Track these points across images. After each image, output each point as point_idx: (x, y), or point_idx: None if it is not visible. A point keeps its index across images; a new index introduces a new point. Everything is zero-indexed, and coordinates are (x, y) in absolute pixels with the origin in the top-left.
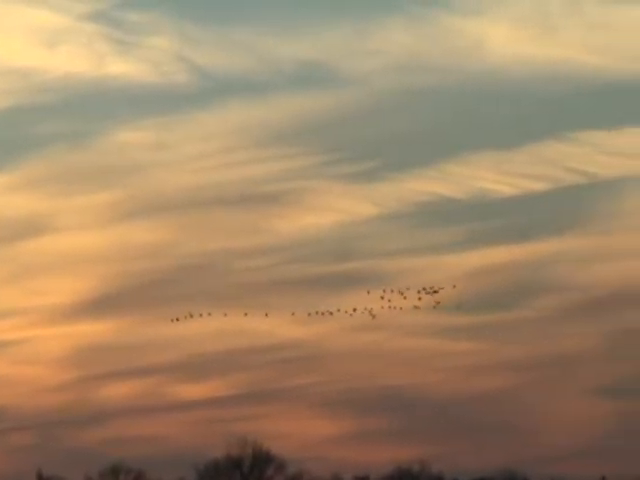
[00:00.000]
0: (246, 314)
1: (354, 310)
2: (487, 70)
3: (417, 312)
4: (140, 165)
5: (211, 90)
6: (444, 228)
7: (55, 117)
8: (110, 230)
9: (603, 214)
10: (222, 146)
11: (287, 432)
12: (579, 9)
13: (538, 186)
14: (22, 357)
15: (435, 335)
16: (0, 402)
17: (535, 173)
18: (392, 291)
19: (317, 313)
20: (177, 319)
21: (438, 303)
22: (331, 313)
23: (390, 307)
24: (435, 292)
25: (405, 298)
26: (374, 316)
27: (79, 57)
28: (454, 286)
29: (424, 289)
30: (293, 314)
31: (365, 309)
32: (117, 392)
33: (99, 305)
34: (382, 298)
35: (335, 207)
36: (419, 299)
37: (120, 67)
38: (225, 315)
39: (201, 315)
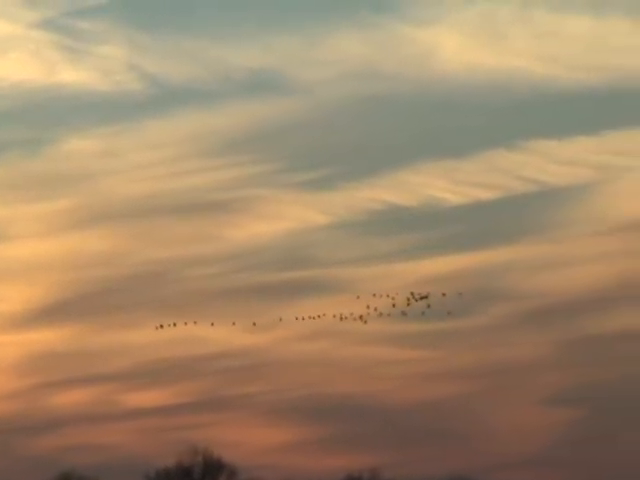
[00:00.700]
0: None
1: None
2: (439, 79)
3: (367, 320)
4: (91, 173)
5: (162, 98)
6: (395, 236)
7: (6, 125)
8: (62, 238)
9: (554, 223)
10: (173, 154)
11: (238, 440)
12: (530, 18)
13: (489, 195)
14: None
15: (385, 343)
16: None
17: (486, 182)
18: (381, 296)
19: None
20: (161, 326)
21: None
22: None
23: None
24: (424, 298)
25: (394, 305)
26: (365, 321)
27: (29, 65)
28: (443, 294)
29: (412, 294)
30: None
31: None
32: (69, 400)
33: (51, 313)
34: (368, 306)
35: (286, 215)
36: (408, 304)
37: (71, 75)
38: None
39: (186, 323)
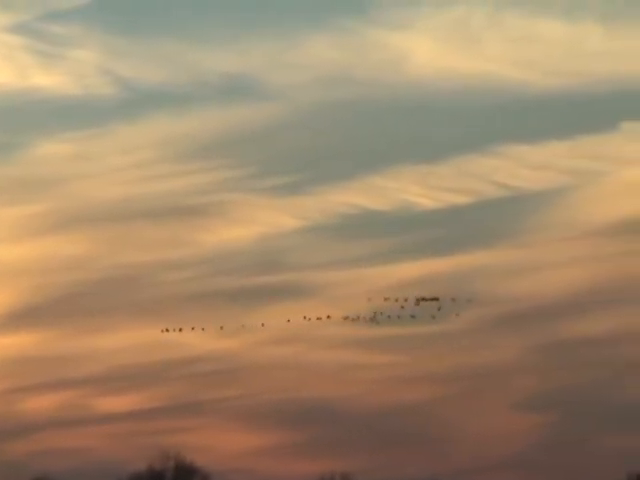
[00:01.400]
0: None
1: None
2: (412, 83)
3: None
4: (64, 178)
5: (136, 102)
6: (369, 241)
7: None
8: (35, 242)
9: (527, 227)
10: (146, 159)
11: (210, 444)
12: (503, 23)
13: (462, 199)
14: None
15: (357, 347)
16: None
17: (459, 186)
18: (391, 299)
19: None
20: (167, 330)
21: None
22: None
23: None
24: (435, 300)
25: (402, 307)
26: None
27: (2, 69)
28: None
29: (423, 298)
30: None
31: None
32: (41, 405)
33: (22, 317)
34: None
35: (259, 220)
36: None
37: (44, 79)
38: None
39: (193, 328)
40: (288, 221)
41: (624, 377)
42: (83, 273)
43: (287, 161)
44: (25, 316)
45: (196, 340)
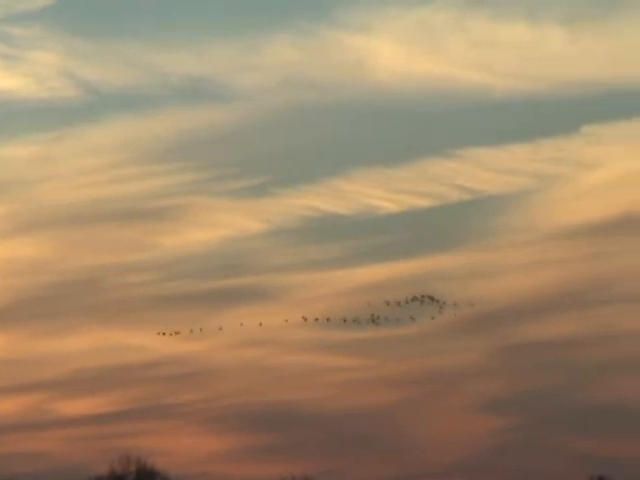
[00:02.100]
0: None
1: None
2: (374, 86)
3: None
4: (26, 180)
5: (98, 105)
6: (331, 244)
7: None
8: None
9: (489, 231)
10: (109, 161)
11: (172, 448)
12: (465, 26)
13: (424, 203)
14: None
15: (320, 350)
16: None
17: (421, 190)
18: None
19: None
20: (197, 332)
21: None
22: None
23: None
24: (431, 299)
25: (401, 305)
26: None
27: None
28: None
29: (422, 296)
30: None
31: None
32: (2, 408)
33: None
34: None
35: (222, 223)
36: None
37: (5, 82)
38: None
39: (181, 333)
40: (251, 224)
41: (585, 380)
42: (45, 276)
43: (249, 164)
44: None
45: (158, 343)
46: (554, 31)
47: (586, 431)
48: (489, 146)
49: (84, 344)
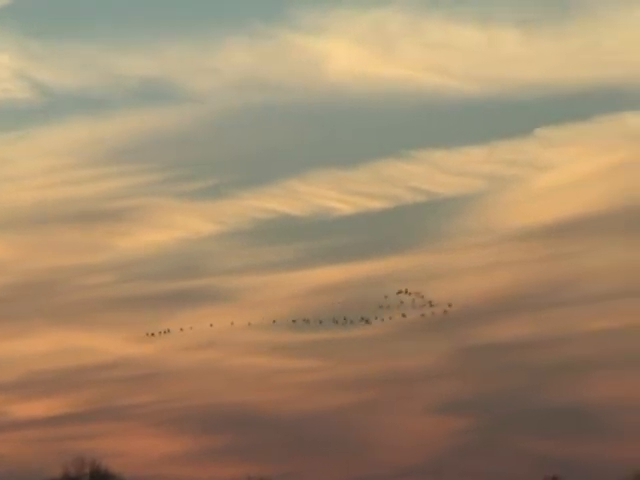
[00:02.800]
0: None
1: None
2: (329, 88)
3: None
4: None
5: (53, 107)
6: (285, 246)
7: None
8: None
9: (443, 232)
10: (64, 163)
11: (126, 450)
12: (419, 28)
13: (379, 204)
14: None
15: (275, 352)
16: None
17: (376, 191)
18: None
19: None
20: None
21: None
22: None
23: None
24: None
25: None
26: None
27: None
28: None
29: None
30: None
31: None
32: None
33: None
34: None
35: (177, 224)
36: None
37: None
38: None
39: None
40: (206, 226)
41: (541, 382)
42: (1, 278)
43: (205, 166)
44: None
45: (114, 345)
46: (508, 33)
47: (541, 432)
48: (444, 148)
49: (39, 346)
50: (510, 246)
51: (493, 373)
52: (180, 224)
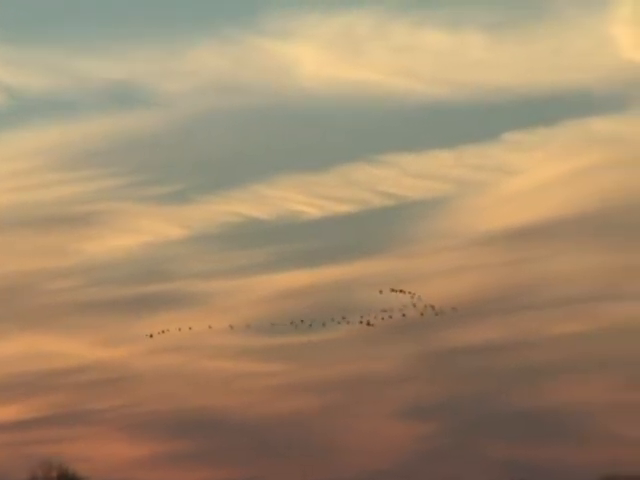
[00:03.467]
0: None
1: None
2: (297, 92)
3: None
4: None
5: (20, 110)
6: (253, 250)
7: None
8: None
9: (411, 236)
10: (31, 166)
11: (93, 455)
12: (386, 32)
13: (346, 208)
14: None
15: (242, 356)
16: None
17: (343, 195)
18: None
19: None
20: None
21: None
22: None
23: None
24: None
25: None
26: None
27: None
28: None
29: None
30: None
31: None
32: None
33: None
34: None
35: (144, 229)
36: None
37: None
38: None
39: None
40: (173, 230)
41: (507, 386)
42: None
43: (172, 169)
44: None
45: (80, 349)
46: (475, 37)
47: (508, 437)
48: (411, 152)
49: (5, 350)
50: (477, 250)
51: (460, 377)
52: (148, 228)
